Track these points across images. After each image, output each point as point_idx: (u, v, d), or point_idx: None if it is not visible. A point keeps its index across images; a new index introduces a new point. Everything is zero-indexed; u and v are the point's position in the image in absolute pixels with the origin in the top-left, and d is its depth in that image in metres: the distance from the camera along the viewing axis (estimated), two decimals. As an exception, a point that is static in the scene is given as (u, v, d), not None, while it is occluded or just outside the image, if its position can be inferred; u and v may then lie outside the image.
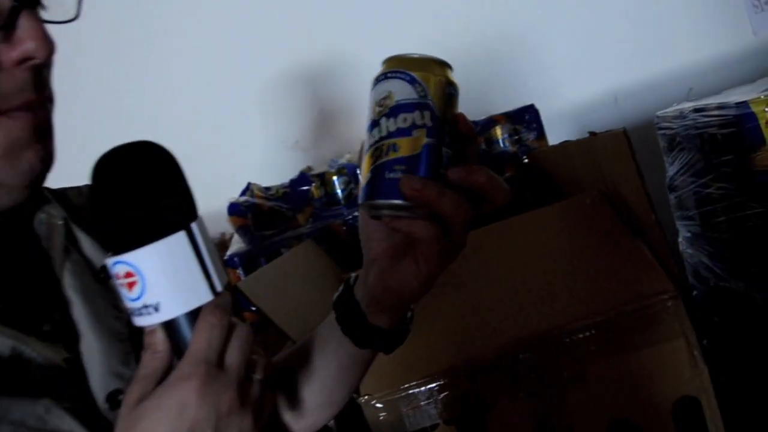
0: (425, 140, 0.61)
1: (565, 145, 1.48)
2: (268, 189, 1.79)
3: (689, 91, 2.05)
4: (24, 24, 0.55)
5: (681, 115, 1.38)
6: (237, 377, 0.53)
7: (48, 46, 0.57)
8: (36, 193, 0.69)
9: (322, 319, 0.80)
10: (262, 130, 2.03)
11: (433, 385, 1.10)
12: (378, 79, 0.64)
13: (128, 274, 0.52)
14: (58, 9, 0.63)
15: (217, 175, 1.91)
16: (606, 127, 2.08)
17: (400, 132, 0.61)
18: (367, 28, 2.05)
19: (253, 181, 1.80)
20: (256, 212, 1.72)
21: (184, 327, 0.53)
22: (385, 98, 0.63)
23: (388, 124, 0.62)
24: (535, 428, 1.11)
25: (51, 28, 0.59)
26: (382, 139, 0.63)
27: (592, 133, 1.23)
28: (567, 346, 1.09)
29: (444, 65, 0.65)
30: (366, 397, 1.10)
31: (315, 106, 2.05)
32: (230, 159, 2.02)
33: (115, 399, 0.62)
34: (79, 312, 0.65)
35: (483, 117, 1.72)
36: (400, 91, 0.62)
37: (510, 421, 1.09)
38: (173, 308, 0.53)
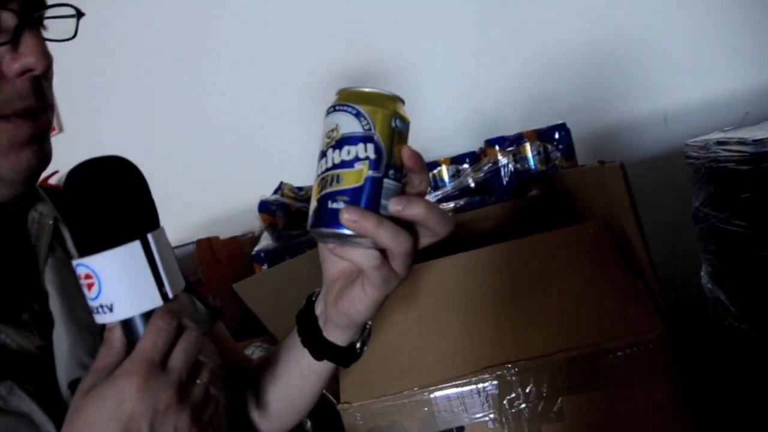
0: (367, 173, 0.64)
1: (581, 169, 1.45)
2: (300, 189, 1.84)
3: (745, 114, 1.96)
4: (26, 40, 0.63)
5: (705, 147, 1.33)
6: (178, 378, 0.58)
7: (46, 60, 0.65)
8: (31, 190, 0.76)
9: None
10: (303, 130, 2.07)
11: (410, 399, 1.12)
12: (328, 111, 0.67)
13: (87, 276, 0.57)
14: (59, 28, 0.70)
15: (260, 172, 1.97)
16: (653, 148, 2.03)
17: (344, 164, 0.64)
18: (411, 32, 2.06)
19: (294, 181, 1.85)
20: (285, 211, 1.77)
21: (140, 327, 0.59)
22: (332, 130, 0.66)
23: (334, 156, 0.65)
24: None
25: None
26: (328, 170, 0.65)
27: (601, 162, 1.21)
28: (545, 377, 1.09)
29: (394, 99, 0.67)
30: (345, 404, 1.13)
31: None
32: (272, 157, 2.08)
33: (76, 386, 0.68)
34: (55, 305, 0.71)
35: (513, 133, 1.70)
36: (346, 124, 0.64)
37: (480, 446, 1.10)
38: (124, 310, 0.58)
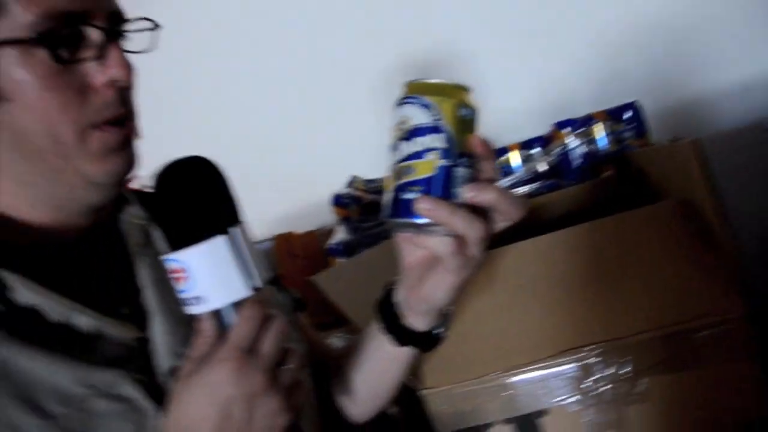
0: (439, 162, 0.67)
1: (654, 148, 1.43)
2: (371, 182, 1.87)
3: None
4: (112, 54, 0.69)
5: (786, 118, 1.28)
6: (268, 363, 0.63)
7: (130, 71, 0.71)
8: (121, 194, 0.83)
9: None
10: (372, 123, 2.09)
11: (491, 384, 1.13)
12: (397, 104, 0.70)
13: (178, 270, 0.62)
14: (139, 41, 0.76)
15: (332, 166, 2.01)
16: (732, 122, 1.96)
17: (416, 155, 0.67)
18: (482, 20, 2.06)
19: (365, 173, 1.89)
20: (358, 204, 1.81)
21: (229, 317, 0.63)
22: (402, 123, 0.69)
23: (405, 148, 0.68)
24: (589, 438, 1.11)
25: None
26: (400, 161, 0.69)
27: (675, 139, 1.19)
28: (627, 358, 1.09)
29: (460, 89, 0.70)
30: (428, 390, 1.15)
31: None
32: (343, 151, 2.11)
33: (173, 374, 0.73)
34: (151, 299, 0.77)
35: (582, 114, 1.68)
36: (416, 116, 0.68)
37: (564, 429, 1.11)
38: (213, 301, 0.62)
